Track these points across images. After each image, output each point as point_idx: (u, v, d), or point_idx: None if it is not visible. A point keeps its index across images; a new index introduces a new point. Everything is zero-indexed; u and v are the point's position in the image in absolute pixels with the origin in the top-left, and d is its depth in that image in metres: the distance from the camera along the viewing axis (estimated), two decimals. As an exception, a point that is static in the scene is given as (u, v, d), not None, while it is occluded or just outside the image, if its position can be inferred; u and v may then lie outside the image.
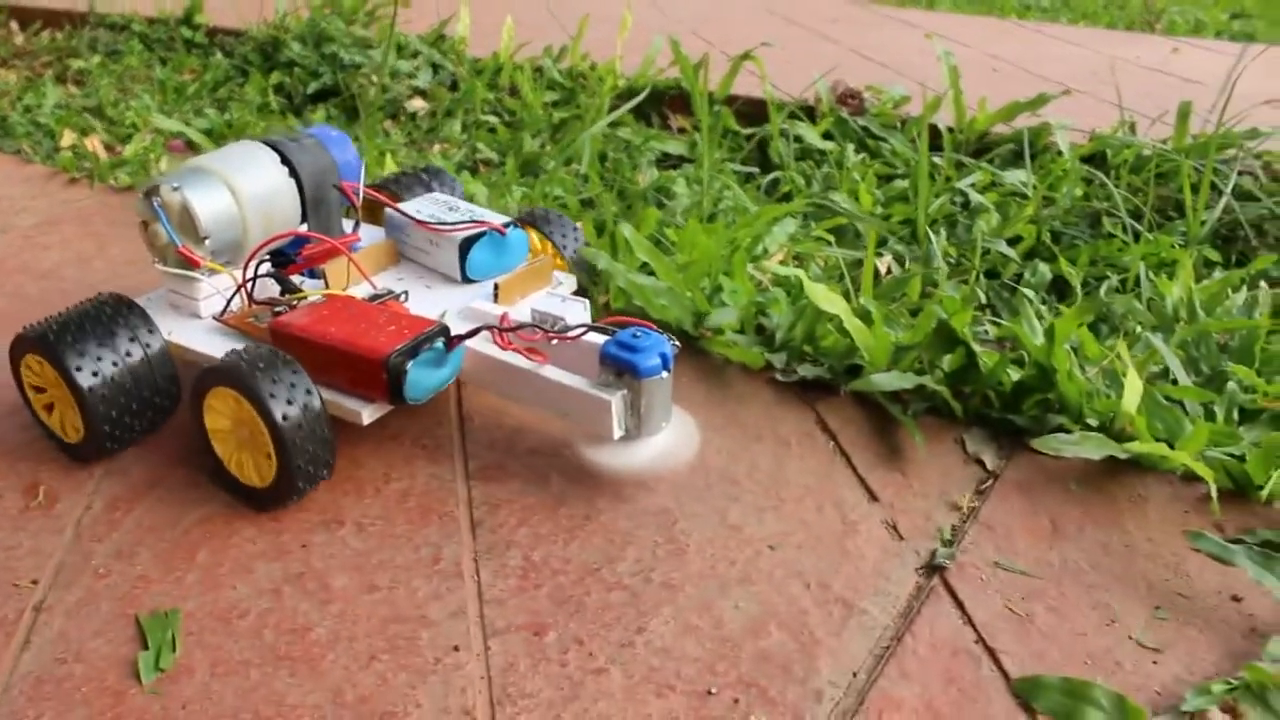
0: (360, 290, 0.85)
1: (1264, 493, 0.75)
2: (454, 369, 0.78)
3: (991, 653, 0.63)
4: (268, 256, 0.85)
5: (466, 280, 0.90)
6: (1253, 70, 1.45)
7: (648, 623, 0.65)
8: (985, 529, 0.73)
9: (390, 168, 1.35)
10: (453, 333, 0.77)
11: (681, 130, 1.59)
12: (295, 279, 0.86)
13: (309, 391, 0.72)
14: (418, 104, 1.68)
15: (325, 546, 0.72)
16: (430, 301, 0.87)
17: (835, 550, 0.71)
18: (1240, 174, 1.22)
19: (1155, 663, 0.62)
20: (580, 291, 0.94)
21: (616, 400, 0.74)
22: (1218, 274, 1.07)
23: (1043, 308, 1.00)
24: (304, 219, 0.88)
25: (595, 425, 0.75)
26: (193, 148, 1.50)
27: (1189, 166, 1.18)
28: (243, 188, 0.83)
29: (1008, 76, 1.78)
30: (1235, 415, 0.82)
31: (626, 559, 0.71)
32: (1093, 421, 0.81)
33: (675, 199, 1.25)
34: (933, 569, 0.70)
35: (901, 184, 1.30)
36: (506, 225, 0.90)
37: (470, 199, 1.18)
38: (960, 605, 0.67)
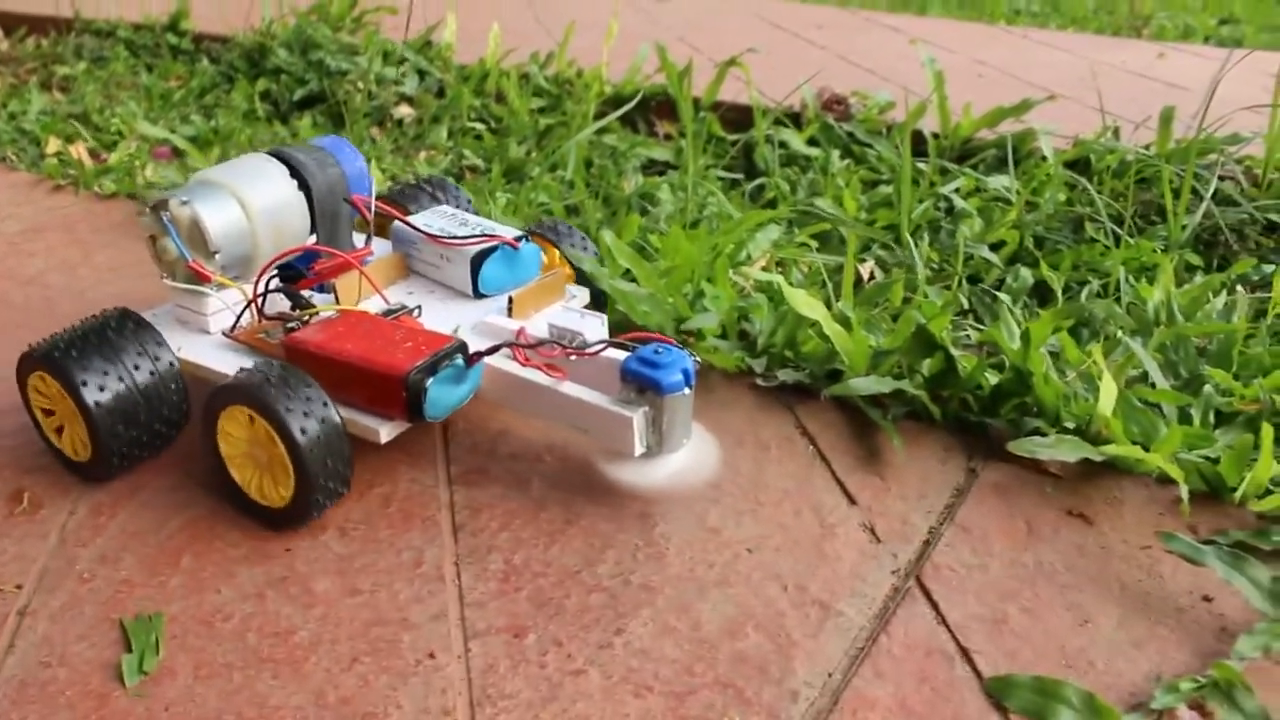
0: (371, 305, 0.84)
1: (1237, 494, 0.76)
2: (473, 386, 0.77)
3: (965, 653, 0.64)
4: (277, 271, 0.84)
5: (479, 295, 0.89)
6: (1238, 75, 1.46)
7: (626, 624, 0.66)
8: (961, 531, 0.74)
9: (376, 175, 1.36)
10: (466, 346, 0.76)
11: (668, 136, 1.60)
12: (305, 294, 0.84)
13: (327, 407, 0.71)
14: (404, 111, 1.69)
15: (308, 551, 0.73)
16: (443, 316, 0.86)
17: (813, 553, 0.72)
18: (1221, 179, 1.23)
19: (1127, 662, 0.63)
20: (594, 304, 0.94)
21: (638, 417, 0.73)
22: (1199, 278, 1.08)
23: (1023, 312, 1.01)
24: (313, 231, 0.87)
25: (616, 442, 0.75)
26: (178, 155, 1.51)
27: (1170, 172, 1.19)
28: (252, 201, 0.82)
29: (994, 82, 1.80)
30: (1211, 418, 0.83)
31: (606, 562, 0.72)
32: (1070, 424, 0.82)
33: (660, 205, 1.26)
34: (908, 571, 0.71)
35: (886, 190, 1.31)
36: (519, 239, 0.89)
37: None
38: (935, 606, 0.67)
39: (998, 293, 1.03)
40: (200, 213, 0.80)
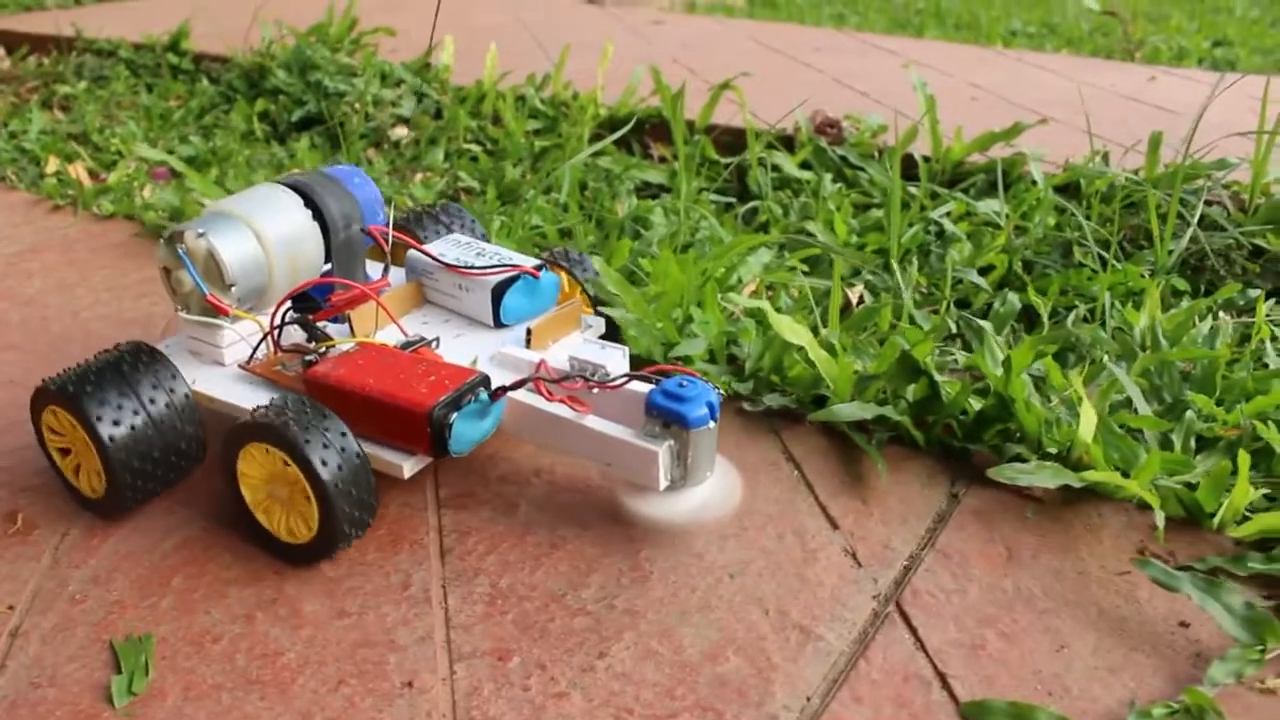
0: (386, 335, 0.84)
1: (1215, 520, 0.77)
2: (495, 420, 0.76)
3: (942, 678, 0.65)
4: (292, 303, 0.83)
5: (499, 325, 0.88)
6: (1230, 100, 1.47)
7: (609, 648, 0.67)
8: (942, 556, 0.75)
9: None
10: (490, 380, 0.76)
11: (662, 159, 1.62)
12: (320, 325, 0.83)
13: (349, 439, 0.71)
14: (401, 132, 1.70)
15: (298, 573, 0.74)
16: (461, 347, 0.86)
17: (794, 577, 0.73)
18: (1208, 204, 1.24)
19: (1102, 687, 0.64)
20: (609, 335, 0.93)
21: (663, 451, 0.73)
22: (1185, 303, 1.09)
23: (1009, 337, 1.02)
24: (327, 261, 0.87)
25: (640, 476, 0.74)
26: (176, 176, 1.52)
27: (1156, 197, 1.20)
28: (268, 232, 0.82)
29: (987, 105, 1.81)
30: (1192, 444, 0.84)
31: (591, 586, 0.73)
32: (1052, 450, 0.83)
33: (652, 229, 1.27)
34: (888, 596, 0.71)
35: (877, 213, 1.32)
36: (538, 268, 0.89)
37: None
38: (914, 631, 0.68)
39: (983, 319, 1.04)
40: (216, 245, 0.80)
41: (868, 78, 1.99)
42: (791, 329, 0.89)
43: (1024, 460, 0.82)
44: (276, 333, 0.81)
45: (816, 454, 0.87)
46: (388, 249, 0.88)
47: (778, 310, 1.03)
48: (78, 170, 1.54)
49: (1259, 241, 1.19)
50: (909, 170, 1.44)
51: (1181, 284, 1.15)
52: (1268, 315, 1.05)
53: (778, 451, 0.88)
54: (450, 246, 0.92)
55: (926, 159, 1.45)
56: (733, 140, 1.57)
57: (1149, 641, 0.68)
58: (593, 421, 0.75)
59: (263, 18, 2.07)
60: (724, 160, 1.52)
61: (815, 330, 0.98)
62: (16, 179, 1.55)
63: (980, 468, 0.83)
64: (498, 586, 0.73)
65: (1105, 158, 1.38)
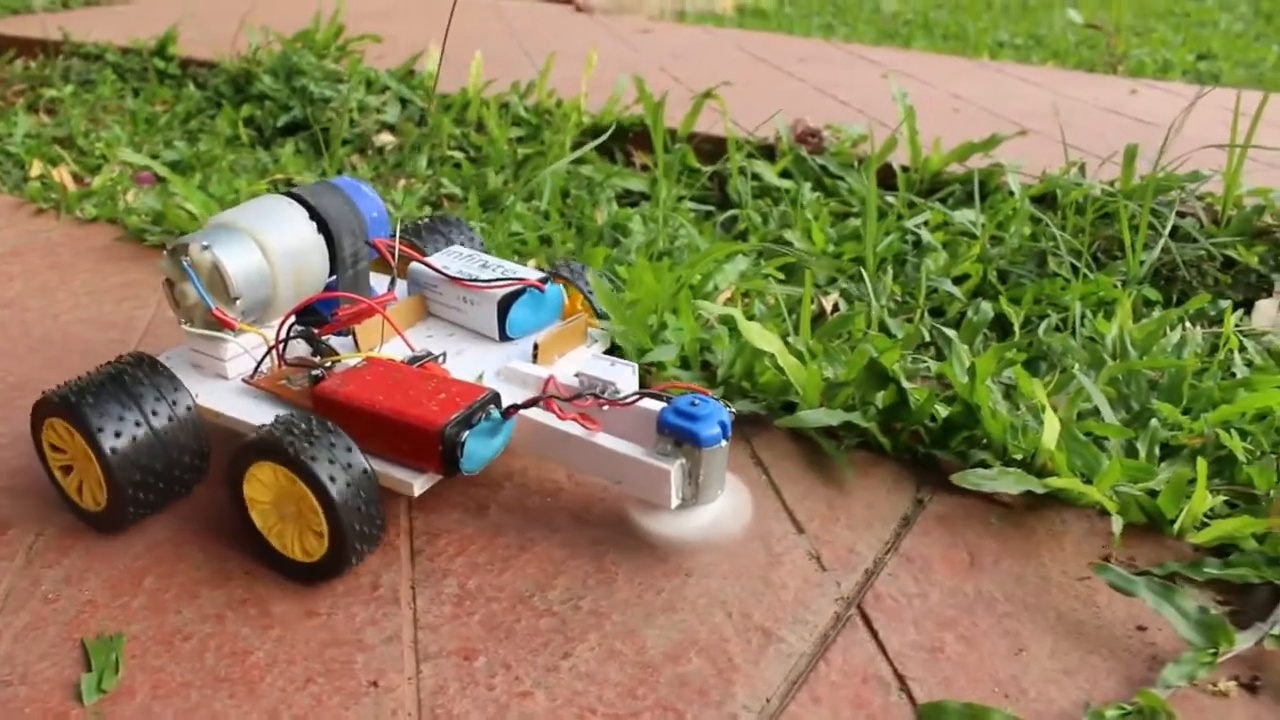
0: (390, 348, 0.84)
1: (1176, 527, 0.78)
2: (506, 437, 0.76)
3: (901, 679, 0.66)
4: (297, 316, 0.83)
5: (504, 339, 0.88)
6: (1209, 113, 1.48)
7: (574, 648, 0.68)
8: (905, 560, 0.76)
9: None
10: (500, 397, 0.75)
11: (644, 167, 1.63)
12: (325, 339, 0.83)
13: (355, 455, 0.70)
14: (386, 138, 1.71)
15: (269, 574, 0.75)
16: (466, 361, 0.86)
17: (759, 580, 0.74)
18: (1182, 215, 1.25)
19: (1058, 690, 0.65)
20: (614, 350, 0.94)
21: (675, 469, 0.73)
22: (1158, 313, 1.10)
23: (982, 346, 1.03)
24: (332, 274, 0.86)
25: (651, 494, 0.75)
26: (160, 180, 1.53)
27: (1129, 208, 1.21)
28: (273, 245, 0.81)
29: (968, 116, 1.82)
30: (1157, 452, 0.85)
31: (558, 587, 0.73)
32: (1017, 456, 0.84)
33: (631, 236, 1.28)
34: (851, 600, 0.72)
35: (855, 222, 1.34)
36: (544, 280, 0.89)
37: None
38: (875, 634, 0.69)
39: (952, 327, 1.05)
40: (221, 258, 0.79)
41: (851, 88, 2.00)
42: (762, 336, 0.90)
43: (988, 466, 0.83)
44: (281, 346, 0.81)
45: (785, 459, 0.88)
46: (394, 262, 0.88)
47: (751, 318, 1.04)
48: (62, 174, 1.55)
49: (1230, 253, 1.20)
50: (888, 180, 1.46)
51: (1154, 294, 1.16)
52: (1237, 325, 1.06)
53: (746, 456, 0.89)
54: (453, 259, 0.92)
55: (905, 169, 1.46)
56: (714, 149, 1.58)
57: (1106, 645, 0.69)
58: (604, 439, 0.76)
59: (250, 24, 2.08)
60: (705, 169, 1.53)
61: (786, 338, 0.98)
62: (0, 182, 1.56)
63: (946, 474, 0.84)
64: (466, 588, 0.74)
65: (1082, 169, 1.39)
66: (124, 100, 1.97)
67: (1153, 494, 0.80)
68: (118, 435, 0.74)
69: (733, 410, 0.76)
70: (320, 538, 0.71)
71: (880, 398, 0.88)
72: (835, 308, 1.15)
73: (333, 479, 0.69)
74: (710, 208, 1.45)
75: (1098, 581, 0.74)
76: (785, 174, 1.52)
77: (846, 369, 0.91)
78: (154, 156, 1.60)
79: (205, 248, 0.79)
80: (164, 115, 1.85)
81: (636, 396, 0.76)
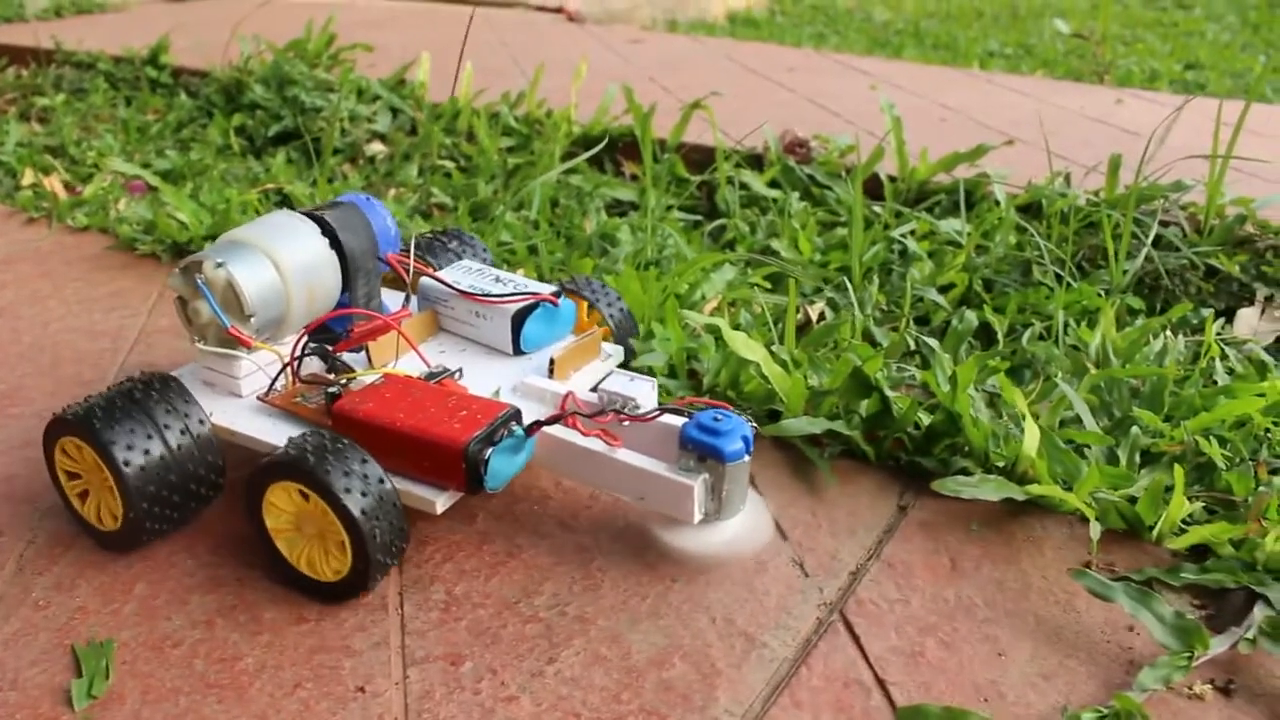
0: (406, 363, 0.83)
1: (1154, 533, 0.79)
2: (529, 454, 0.75)
3: (882, 684, 0.67)
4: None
5: (518, 353, 0.88)
6: (1195, 123, 1.50)
7: (559, 654, 0.69)
8: (887, 566, 0.77)
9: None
10: (520, 413, 0.75)
11: (634, 176, 1.64)
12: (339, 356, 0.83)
13: (381, 480, 0.70)
14: (376, 148, 1.72)
15: (259, 580, 0.75)
16: (481, 377, 0.85)
17: (743, 587, 0.75)
18: (1165, 225, 1.26)
19: (1036, 694, 0.66)
20: (626, 363, 0.94)
21: (698, 485, 0.73)
22: (1141, 321, 1.11)
23: (966, 354, 1.04)
24: (344, 290, 0.86)
25: (674, 510, 0.75)
26: (152, 189, 1.54)
27: (1112, 217, 1.23)
28: (286, 261, 0.80)
29: (956, 126, 1.83)
30: (1137, 459, 0.86)
31: (544, 594, 0.74)
32: (999, 464, 0.85)
33: (619, 245, 1.29)
34: (833, 605, 0.73)
35: (842, 232, 1.35)
36: (557, 294, 0.88)
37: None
38: (856, 639, 0.70)
39: (937, 336, 1.06)
40: (236, 275, 0.78)
41: (840, 98, 2.01)
42: (746, 345, 0.91)
43: (970, 474, 0.84)
44: (296, 364, 0.81)
45: (769, 467, 0.89)
46: (409, 278, 0.88)
47: (736, 327, 1.05)
48: (53, 183, 1.56)
49: (1213, 262, 1.21)
50: (876, 190, 1.47)
51: (1137, 303, 1.18)
52: (1218, 334, 1.07)
53: (732, 464, 0.90)
54: (464, 274, 0.91)
55: (892, 178, 1.48)
56: (703, 158, 1.59)
57: (1085, 649, 0.70)
58: (626, 455, 0.75)
59: (242, 33, 2.09)
60: (694, 178, 1.54)
61: (771, 347, 0.99)
62: (-8, 191, 1.57)
63: (929, 481, 0.85)
64: (453, 594, 0.74)
65: (1067, 179, 1.40)
66: (116, 109, 1.98)
67: (1132, 500, 0.81)
68: (130, 449, 0.73)
69: (755, 425, 0.76)
70: (343, 555, 0.70)
71: (864, 406, 0.89)
72: (821, 316, 1.16)
73: (356, 501, 0.68)
74: (698, 217, 1.46)
75: (1077, 587, 0.75)
76: (773, 184, 1.53)
77: (831, 378, 0.92)
78: (145, 165, 1.61)
79: (220, 265, 0.78)
80: (156, 124, 1.86)
81: (658, 412, 0.76)
